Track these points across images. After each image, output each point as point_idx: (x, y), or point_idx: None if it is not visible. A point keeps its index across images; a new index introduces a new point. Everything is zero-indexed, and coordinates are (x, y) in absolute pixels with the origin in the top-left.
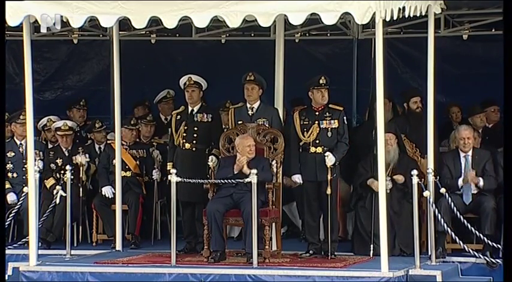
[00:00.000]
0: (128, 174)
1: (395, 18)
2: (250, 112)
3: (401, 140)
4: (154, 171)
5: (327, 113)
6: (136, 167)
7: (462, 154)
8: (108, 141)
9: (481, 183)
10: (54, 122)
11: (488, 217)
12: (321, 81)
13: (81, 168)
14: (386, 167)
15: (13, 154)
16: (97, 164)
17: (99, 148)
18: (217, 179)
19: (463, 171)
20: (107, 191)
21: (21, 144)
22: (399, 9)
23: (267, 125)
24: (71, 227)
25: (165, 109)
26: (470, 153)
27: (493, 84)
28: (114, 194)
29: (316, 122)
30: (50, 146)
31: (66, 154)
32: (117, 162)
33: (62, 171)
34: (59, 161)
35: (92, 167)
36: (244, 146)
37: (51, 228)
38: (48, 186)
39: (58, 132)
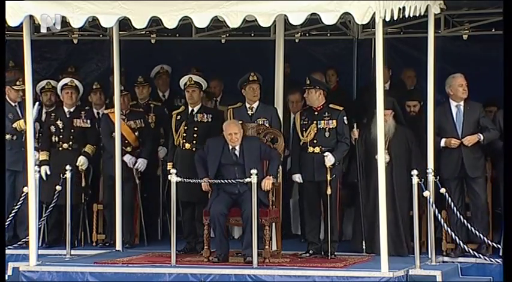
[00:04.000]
0: (129, 149)
1: (395, 18)
2: (250, 112)
3: (399, 112)
4: (140, 161)
5: (326, 113)
6: (135, 140)
7: (454, 104)
8: (105, 111)
9: (481, 137)
10: (52, 86)
11: (477, 219)
12: (307, 82)
13: (82, 174)
14: (384, 139)
15: (12, 116)
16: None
17: (97, 113)
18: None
19: (455, 120)
20: (129, 160)
21: (16, 105)
22: (399, 9)
23: (267, 125)
24: (71, 227)
25: (159, 84)
26: (462, 103)
27: (493, 84)
28: (134, 163)
29: (315, 121)
30: (44, 110)
31: (68, 115)
32: (117, 164)
33: (61, 136)
34: (60, 123)
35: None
36: (226, 134)
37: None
38: (39, 160)
39: (63, 88)
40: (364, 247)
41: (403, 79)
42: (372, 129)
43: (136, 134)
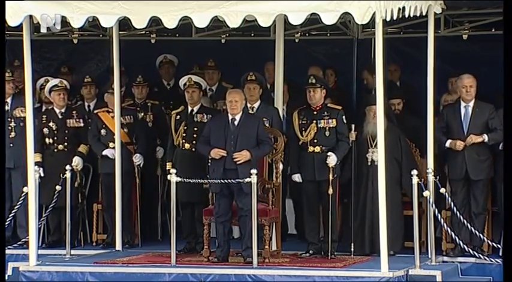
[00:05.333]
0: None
1: (395, 18)
2: (250, 112)
3: (391, 111)
4: (137, 156)
5: (325, 113)
6: (124, 135)
7: (463, 104)
8: (95, 111)
9: (486, 138)
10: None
11: (472, 223)
12: (310, 81)
13: (77, 174)
14: (373, 137)
15: None
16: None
17: (88, 106)
18: (197, 147)
19: (462, 120)
20: (108, 152)
21: (6, 102)
22: (399, 9)
23: (267, 125)
24: (70, 227)
25: (163, 74)
26: (471, 104)
27: (493, 84)
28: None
29: (314, 121)
30: (44, 108)
31: (60, 117)
32: (117, 163)
33: (55, 137)
34: (52, 125)
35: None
36: (227, 101)
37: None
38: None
39: (54, 90)
40: (352, 249)
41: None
42: (363, 128)
43: (125, 130)
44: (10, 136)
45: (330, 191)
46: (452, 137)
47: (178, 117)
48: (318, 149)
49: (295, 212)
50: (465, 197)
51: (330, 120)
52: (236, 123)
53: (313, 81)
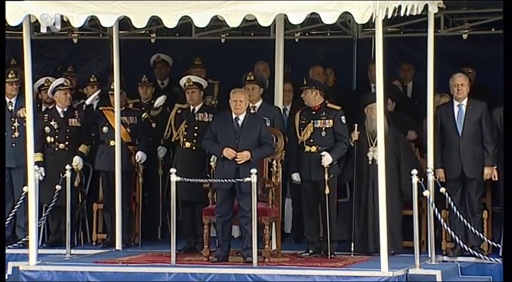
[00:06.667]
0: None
1: (389, 17)
2: (252, 111)
3: (387, 111)
4: (139, 152)
5: (324, 113)
6: (126, 135)
7: (456, 103)
8: (100, 108)
9: (495, 166)
10: (51, 82)
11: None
12: (304, 82)
13: (77, 174)
14: (373, 136)
15: None
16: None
17: (92, 105)
18: (205, 146)
19: (456, 119)
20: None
21: (10, 102)
22: (394, 8)
23: (268, 125)
24: (71, 227)
25: (156, 73)
26: (464, 102)
27: (493, 84)
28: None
29: (312, 121)
30: (43, 108)
31: (62, 116)
32: (117, 163)
33: (57, 136)
34: (54, 124)
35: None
36: (231, 100)
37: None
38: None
39: (60, 89)
40: (352, 248)
41: (398, 74)
42: (367, 127)
43: (128, 129)
44: (13, 136)
45: (327, 190)
46: (447, 137)
47: (179, 111)
48: (314, 148)
49: (292, 212)
50: (462, 197)
51: (327, 121)
52: (240, 122)
53: (305, 82)
